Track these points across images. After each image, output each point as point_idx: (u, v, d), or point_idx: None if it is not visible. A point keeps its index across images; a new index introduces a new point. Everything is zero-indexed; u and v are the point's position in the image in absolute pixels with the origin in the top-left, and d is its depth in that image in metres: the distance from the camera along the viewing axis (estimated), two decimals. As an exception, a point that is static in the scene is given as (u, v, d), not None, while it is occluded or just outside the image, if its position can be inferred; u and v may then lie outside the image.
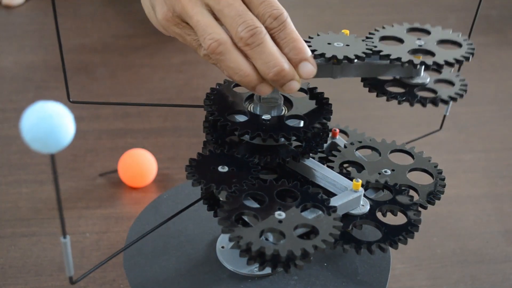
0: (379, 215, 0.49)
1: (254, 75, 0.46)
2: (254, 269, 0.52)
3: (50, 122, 0.31)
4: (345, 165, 0.55)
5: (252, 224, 0.43)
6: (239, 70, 0.46)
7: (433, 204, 0.51)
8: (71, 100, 0.53)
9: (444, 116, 0.61)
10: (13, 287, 0.57)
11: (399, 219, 0.49)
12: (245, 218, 0.46)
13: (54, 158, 0.34)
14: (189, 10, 0.46)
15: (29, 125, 0.31)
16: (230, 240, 0.42)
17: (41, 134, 0.31)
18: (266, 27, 0.46)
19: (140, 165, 0.69)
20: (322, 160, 0.53)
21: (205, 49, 0.46)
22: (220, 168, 0.48)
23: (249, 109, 0.51)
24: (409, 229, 0.47)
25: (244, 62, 0.46)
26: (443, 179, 0.53)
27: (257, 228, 0.42)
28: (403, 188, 0.51)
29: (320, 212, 0.45)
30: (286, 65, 0.46)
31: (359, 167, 0.54)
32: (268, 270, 0.51)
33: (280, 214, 0.43)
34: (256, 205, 0.45)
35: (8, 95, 0.85)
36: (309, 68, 0.47)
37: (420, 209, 0.50)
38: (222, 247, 0.54)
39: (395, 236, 0.46)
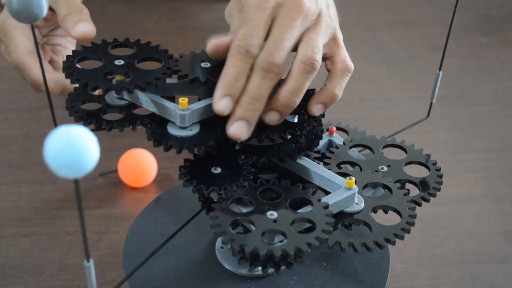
0: (374, 212, 0.48)
1: None
2: (253, 269, 0.52)
3: (75, 148, 0.30)
4: (341, 164, 0.55)
5: (251, 229, 0.43)
6: None
7: (434, 196, 0.52)
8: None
9: (431, 103, 0.62)
10: (13, 287, 0.57)
11: (396, 215, 0.49)
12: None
13: (79, 183, 0.33)
14: None
15: (54, 152, 0.30)
16: (234, 254, 0.42)
17: (67, 160, 0.30)
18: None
19: (140, 165, 0.69)
20: (318, 160, 0.53)
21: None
22: (213, 170, 0.48)
23: None
24: (405, 224, 0.47)
25: None
26: (439, 170, 0.54)
27: (257, 232, 0.42)
28: (400, 183, 0.51)
29: (309, 204, 0.45)
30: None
31: (355, 165, 0.54)
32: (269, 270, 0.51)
33: (272, 214, 0.43)
34: (247, 209, 0.45)
35: (8, 95, 0.85)
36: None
37: (420, 206, 0.50)
38: (222, 247, 0.54)
39: (391, 232, 0.46)
